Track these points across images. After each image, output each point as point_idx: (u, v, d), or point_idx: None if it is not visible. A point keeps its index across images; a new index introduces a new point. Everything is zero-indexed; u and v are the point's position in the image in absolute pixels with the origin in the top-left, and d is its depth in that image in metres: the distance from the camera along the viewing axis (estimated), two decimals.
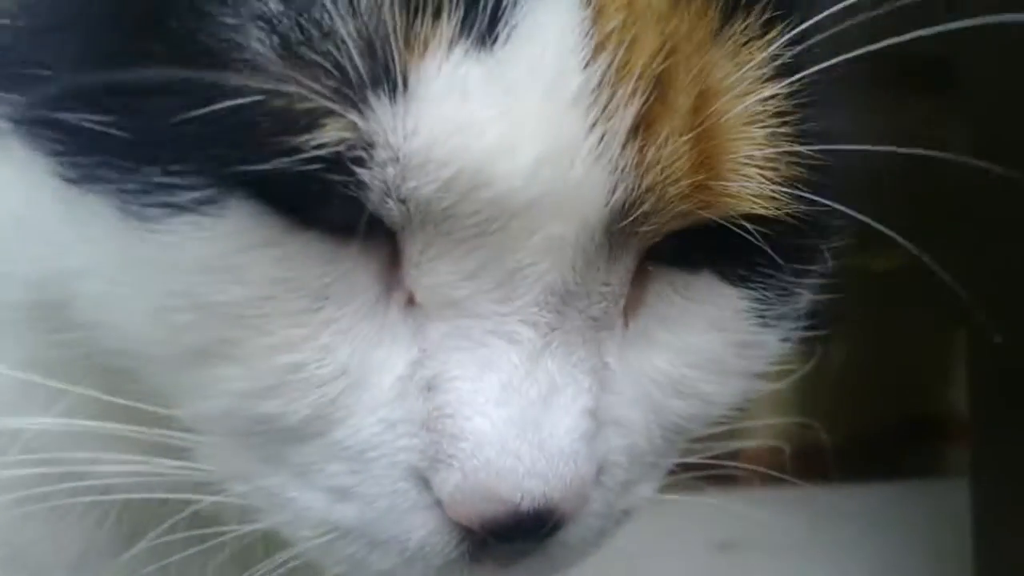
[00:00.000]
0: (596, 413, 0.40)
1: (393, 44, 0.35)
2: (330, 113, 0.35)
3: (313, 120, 0.35)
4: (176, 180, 0.37)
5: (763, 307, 0.45)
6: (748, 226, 0.41)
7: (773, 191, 0.40)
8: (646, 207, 0.38)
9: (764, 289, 0.45)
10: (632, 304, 0.43)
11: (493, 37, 0.36)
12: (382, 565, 0.41)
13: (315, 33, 0.35)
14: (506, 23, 0.36)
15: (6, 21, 0.38)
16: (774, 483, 0.67)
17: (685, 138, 0.38)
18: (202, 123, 0.35)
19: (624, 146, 0.37)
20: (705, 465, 0.52)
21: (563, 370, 0.39)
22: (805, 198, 0.41)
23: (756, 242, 0.42)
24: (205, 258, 0.37)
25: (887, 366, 1.56)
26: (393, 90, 0.35)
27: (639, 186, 0.38)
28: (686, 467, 0.50)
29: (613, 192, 0.37)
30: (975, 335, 1.20)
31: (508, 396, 0.38)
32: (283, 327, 0.38)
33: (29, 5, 0.38)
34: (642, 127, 0.37)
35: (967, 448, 1.21)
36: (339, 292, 0.39)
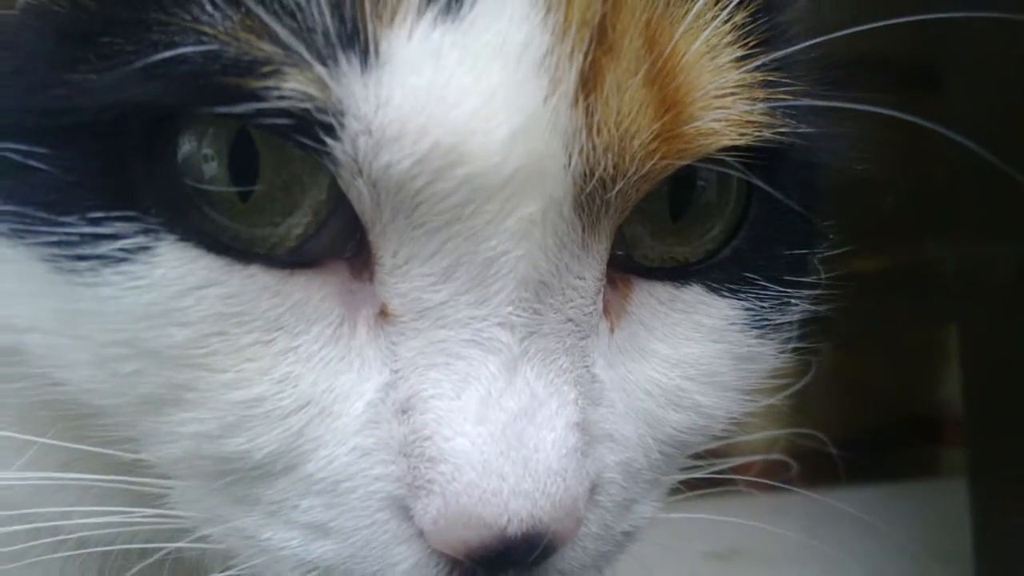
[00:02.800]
0: (585, 427, 0.38)
1: (362, 9, 0.34)
2: (293, 63, 0.34)
3: (275, 68, 0.34)
4: (101, 229, 0.36)
5: (757, 319, 0.44)
6: (728, 159, 0.40)
7: (750, 115, 0.39)
8: (606, 170, 0.37)
9: (757, 300, 0.44)
10: (616, 313, 0.41)
11: (459, 3, 0.35)
12: None
13: None
14: None
15: None
16: (770, 490, 0.67)
17: (638, 87, 0.37)
18: (157, 76, 0.34)
19: (573, 108, 0.36)
20: (707, 482, 0.51)
21: (545, 379, 0.37)
22: (786, 116, 0.40)
23: (742, 175, 0.40)
24: (142, 306, 0.36)
25: (879, 368, 1.56)
26: (364, 57, 0.34)
27: (593, 149, 0.36)
28: (687, 483, 0.49)
29: (570, 160, 0.36)
30: (967, 334, 1.20)
31: (487, 411, 0.36)
32: (235, 363, 0.37)
33: None
34: (590, 85, 0.36)
35: (963, 448, 1.20)
36: (293, 321, 0.37)
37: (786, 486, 0.57)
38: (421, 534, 0.37)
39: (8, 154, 0.35)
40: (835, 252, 0.49)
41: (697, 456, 0.48)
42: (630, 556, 0.50)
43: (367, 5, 0.34)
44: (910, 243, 1.51)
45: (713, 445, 0.47)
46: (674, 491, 0.48)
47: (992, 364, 1.12)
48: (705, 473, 0.49)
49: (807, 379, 0.56)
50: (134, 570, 0.43)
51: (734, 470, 0.53)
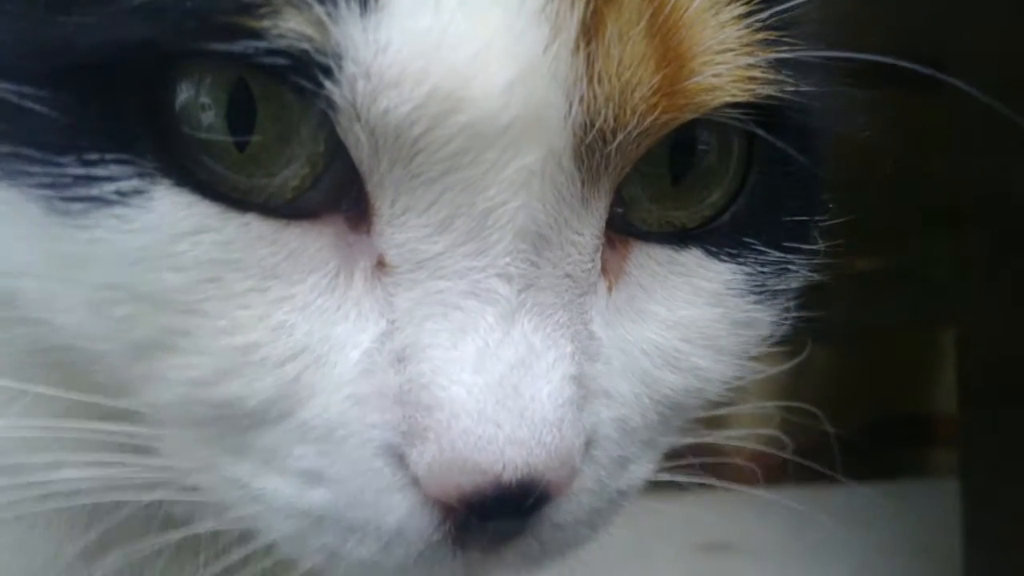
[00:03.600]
0: (581, 380, 0.38)
1: None
2: (292, 4, 0.34)
3: (274, 7, 0.34)
4: (95, 171, 0.35)
5: (755, 284, 0.44)
6: (728, 115, 0.39)
7: (750, 70, 0.39)
8: (606, 121, 0.37)
9: (756, 265, 0.44)
10: (615, 273, 0.41)
11: None
12: (359, 553, 0.38)
13: None
14: None
15: None
16: (760, 484, 0.67)
17: (639, 39, 0.36)
18: (155, 14, 0.33)
19: (574, 56, 0.36)
20: (705, 453, 0.51)
21: (542, 332, 0.37)
22: (787, 74, 0.40)
23: (739, 127, 0.40)
24: (135, 250, 0.36)
25: (873, 366, 1.56)
26: (364, 1, 0.34)
27: (594, 98, 0.36)
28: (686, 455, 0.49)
29: (570, 110, 0.36)
30: (962, 334, 1.20)
31: (484, 361, 0.36)
32: (229, 309, 0.37)
33: None
34: (592, 33, 0.36)
35: (955, 448, 1.21)
36: (289, 270, 0.37)
37: (784, 455, 0.57)
38: (416, 481, 0.37)
39: (5, 95, 0.35)
40: (831, 250, 0.49)
41: (693, 426, 0.48)
42: (622, 546, 0.50)
43: None
44: (907, 242, 1.51)
45: (709, 413, 0.48)
46: (666, 484, 0.48)
47: (987, 365, 1.12)
48: (702, 440, 0.49)
49: (803, 355, 0.56)
50: (107, 519, 0.43)
51: (730, 448, 0.53)
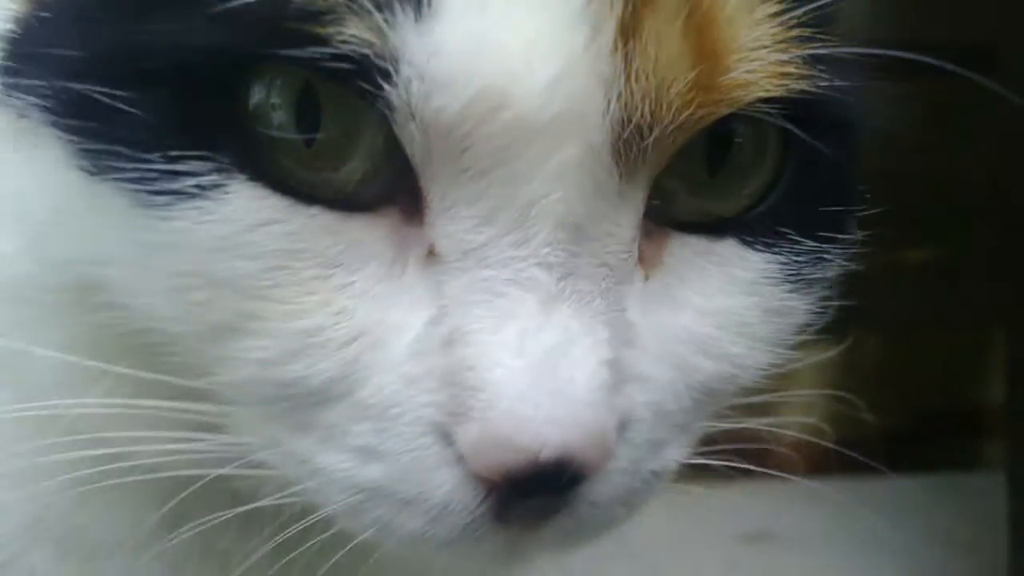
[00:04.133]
0: (617, 365, 0.40)
1: None
2: (354, 12, 0.36)
3: (338, 16, 0.36)
4: (178, 167, 0.38)
5: (791, 273, 0.45)
6: (764, 109, 0.41)
7: (784, 66, 0.40)
8: (643, 116, 0.38)
9: (791, 255, 0.45)
10: (651, 262, 0.43)
11: None
12: (411, 525, 0.41)
13: None
14: None
15: (30, 10, 0.41)
16: (803, 473, 0.67)
17: (675, 37, 0.38)
18: (231, 22, 0.36)
19: (612, 54, 0.37)
20: (746, 439, 0.52)
21: (580, 318, 0.39)
22: (821, 70, 0.41)
23: (775, 123, 0.41)
24: (213, 239, 0.39)
25: (922, 359, 1.55)
26: (418, 6, 0.36)
27: (631, 95, 0.38)
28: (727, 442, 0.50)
29: (608, 106, 0.38)
30: (1013, 328, 1.19)
31: (524, 345, 0.38)
32: (296, 295, 0.39)
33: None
34: (630, 32, 0.38)
35: (1002, 441, 1.20)
36: (350, 259, 0.40)
37: (826, 444, 0.57)
38: (461, 459, 0.39)
39: (97, 96, 0.38)
40: (883, 239, 0.49)
41: (735, 413, 0.49)
42: (666, 533, 0.51)
43: None
44: (958, 234, 1.50)
45: (750, 400, 0.49)
46: (714, 453, 0.49)
47: None
48: (744, 425, 0.50)
49: (844, 346, 0.57)
50: (186, 493, 0.46)
51: (771, 436, 0.54)
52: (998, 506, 1.14)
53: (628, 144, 0.39)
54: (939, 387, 1.58)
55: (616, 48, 0.38)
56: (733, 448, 0.50)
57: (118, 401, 0.43)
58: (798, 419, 0.59)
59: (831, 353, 0.59)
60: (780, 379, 0.49)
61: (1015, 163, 1.10)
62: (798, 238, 0.45)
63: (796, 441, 0.59)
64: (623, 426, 0.41)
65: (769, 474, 0.57)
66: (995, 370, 1.38)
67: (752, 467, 0.50)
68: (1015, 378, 1.16)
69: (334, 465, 0.41)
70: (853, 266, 0.48)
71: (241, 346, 0.40)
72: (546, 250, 0.39)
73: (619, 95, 0.38)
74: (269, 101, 0.39)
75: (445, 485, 0.40)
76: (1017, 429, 1.16)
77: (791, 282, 0.45)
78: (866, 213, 0.48)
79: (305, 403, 0.41)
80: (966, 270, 1.51)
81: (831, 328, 0.51)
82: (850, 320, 0.51)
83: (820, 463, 0.66)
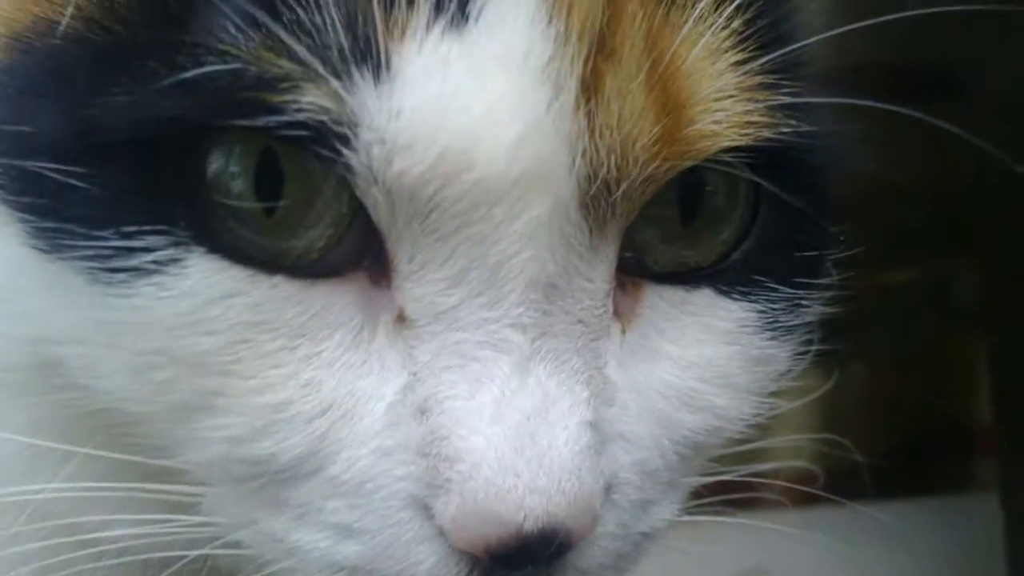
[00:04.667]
0: (598, 426, 0.39)
1: (374, 25, 0.36)
2: (310, 80, 0.35)
3: (293, 83, 0.35)
4: (134, 243, 0.37)
5: (769, 321, 0.44)
6: (730, 159, 0.40)
7: (750, 116, 0.40)
8: (609, 172, 0.38)
9: (768, 302, 0.44)
10: (627, 316, 0.42)
11: (464, 17, 0.36)
12: None
13: (300, 11, 0.36)
14: (475, 2, 0.36)
15: None
16: (800, 504, 0.66)
17: (638, 92, 0.38)
18: (185, 93, 0.35)
19: (575, 112, 0.37)
20: (734, 488, 0.51)
21: (557, 379, 0.38)
22: (787, 117, 0.41)
23: (746, 175, 0.41)
24: (173, 316, 0.38)
25: (909, 381, 1.55)
26: (376, 71, 0.36)
27: (596, 151, 0.37)
28: (714, 490, 0.49)
29: (573, 163, 0.37)
30: (997, 346, 1.19)
31: (501, 410, 0.37)
32: (261, 369, 0.38)
33: (3, 68, 0.40)
34: (592, 90, 0.37)
35: (995, 461, 1.19)
36: (316, 328, 0.38)
37: (815, 491, 0.57)
38: (442, 533, 0.38)
39: (48, 172, 0.37)
40: (865, 265, 0.49)
41: (721, 461, 0.48)
42: (660, 573, 0.50)
43: (378, 22, 0.36)
44: (941, 255, 1.50)
45: (733, 450, 0.48)
46: (703, 506, 0.48)
47: (1022, 377, 1.11)
48: (730, 476, 0.50)
49: (829, 385, 0.56)
50: (171, 573, 0.44)
51: (761, 481, 0.53)
52: (993, 526, 1.14)
53: (596, 199, 0.38)
54: (927, 409, 1.58)
55: (579, 106, 0.37)
56: (722, 499, 0.49)
57: (83, 484, 0.42)
58: (787, 463, 0.58)
59: (820, 392, 0.58)
60: (768, 420, 0.48)
61: (993, 184, 1.10)
62: (774, 285, 0.44)
63: (786, 482, 0.58)
64: (608, 488, 0.40)
65: (768, 506, 0.56)
66: (984, 390, 1.38)
67: (744, 520, 0.50)
68: (1002, 397, 1.16)
69: (310, 544, 0.39)
70: (831, 310, 0.47)
71: (207, 424, 0.39)
72: (519, 310, 0.38)
73: (584, 152, 0.37)
74: (228, 170, 0.37)
75: (427, 561, 0.38)
76: (1008, 448, 1.15)
77: (770, 330, 0.44)
78: (843, 254, 0.48)
79: (276, 480, 0.39)
80: (947, 289, 1.51)
81: (817, 364, 0.50)
82: (838, 353, 0.50)
83: (812, 495, 0.66)
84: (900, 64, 0.42)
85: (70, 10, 0.38)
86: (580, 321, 0.39)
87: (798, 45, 0.42)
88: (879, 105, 0.40)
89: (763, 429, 0.48)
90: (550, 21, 0.37)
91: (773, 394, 0.47)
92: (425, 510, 0.38)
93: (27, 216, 0.38)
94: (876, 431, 1.42)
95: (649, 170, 0.38)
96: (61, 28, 0.38)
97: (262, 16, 0.35)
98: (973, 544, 1.24)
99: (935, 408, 1.58)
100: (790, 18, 0.45)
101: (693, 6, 0.39)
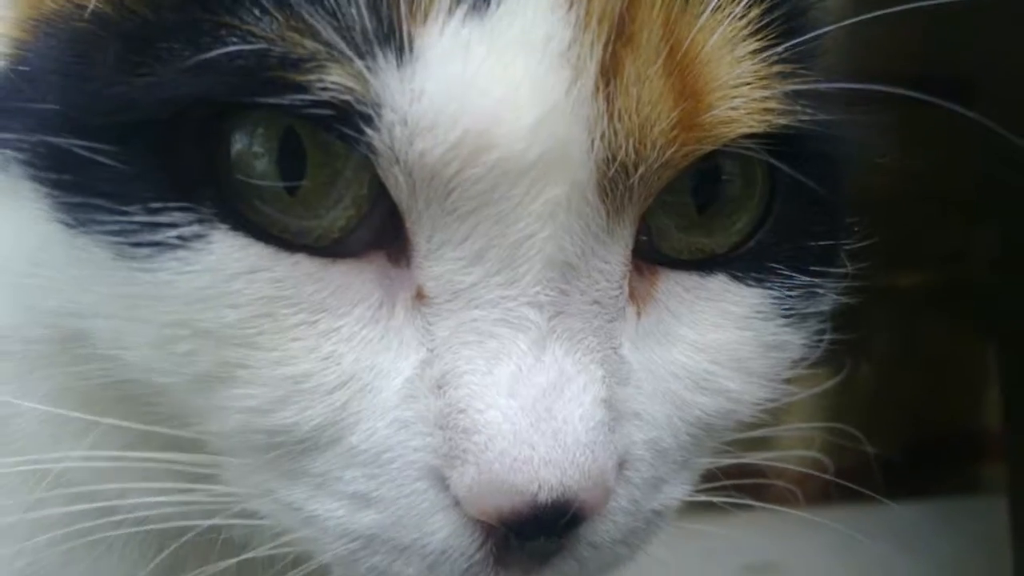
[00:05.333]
0: (612, 403, 0.39)
1: (397, 9, 0.36)
2: (334, 60, 0.36)
3: (318, 63, 0.36)
4: (159, 219, 0.38)
5: (784, 308, 0.45)
6: (748, 145, 0.41)
7: (766, 102, 0.40)
8: (627, 155, 0.38)
9: (783, 289, 0.45)
10: (643, 299, 0.42)
11: (486, 1, 0.37)
12: (407, 571, 0.40)
13: None
14: None
15: (8, 64, 0.41)
16: (809, 501, 0.66)
17: (656, 77, 0.38)
18: (209, 72, 0.36)
19: (594, 96, 0.37)
20: (746, 475, 0.51)
21: (572, 357, 0.39)
22: (804, 105, 0.41)
23: (760, 159, 0.41)
24: (196, 289, 0.38)
25: (918, 384, 1.54)
26: (400, 53, 0.36)
27: (615, 134, 0.38)
28: (726, 476, 0.50)
29: (592, 145, 0.38)
30: (1006, 349, 1.18)
31: (518, 386, 0.38)
32: (283, 342, 0.39)
33: (32, 48, 0.41)
34: (611, 74, 0.38)
35: (1003, 465, 1.19)
36: (336, 303, 0.39)
37: (826, 478, 0.57)
38: (457, 503, 0.38)
39: (77, 150, 0.38)
40: (873, 267, 0.49)
41: (733, 447, 0.48)
42: (668, 568, 0.50)
43: (402, 5, 0.36)
44: (951, 258, 1.50)
45: (745, 435, 0.48)
46: (709, 506, 0.48)
47: None
48: (742, 460, 0.50)
49: (839, 379, 0.56)
50: (179, 545, 0.45)
51: (772, 465, 0.53)
52: (1001, 529, 1.13)
53: (614, 182, 0.39)
54: (936, 412, 1.57)
55: (598, 90, 0.38)
56: (734, 484, 0.49)
57: (104, 454, 0.42)
58: (798, 452, 0.58)
59: (828, 384, 0.58)
60: (778, 412, 0.48)
61: (1003, 190, 1.10)
62: (789, 273, 0.44)
63: (795, 474, 0.58)
64: (622, 465, 0.40)
65: (774, 504, 0.56)
66: (992, 392, 1.37)
67: (753, 503, 0.50)
68: (1011, 401, 1.16)
69: (327, 513, 0.40)
70: (845, 298, 0.48)
71: (229, 395, 0.39)
72: (536, 289, 0.39)
73: (603, 134, 0.38)
74: (251, 149, 0.38)
75: (442, 530, 0.39)
76: (1017, 452, 1.15)
77: (784, 316, 0.45)
78: (857, 244, 0.48)
79: (295, 450, 0.40)
80: (958, 292, 1.51)
81: (827, 358, 0.50)
82: (845, 348, 0.51)
83: (822, 492, 0.66)
84: (913, 75, 0.42)
85: None
86: (596, 302, 0.40)
87: (815, 33, 0.42)
88: (895, 91, 0.41)
89: (775, 418, 0.49)
90: (570, 7, 0.37)
91: (786, 382, 0.47)
92: (441, 481, 0.39)
93: (54, 192, 0.39)
94: (885, 433, 1.41)
95: (667, 154, 0.39)
96: (89, 9, 0.39)
97: (285, 7, 0.36)
98: (980, 547, 1.23)
99: (944, 411, 1.58)
100: (806, 8, 0.45)
101: None
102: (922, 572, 1.28)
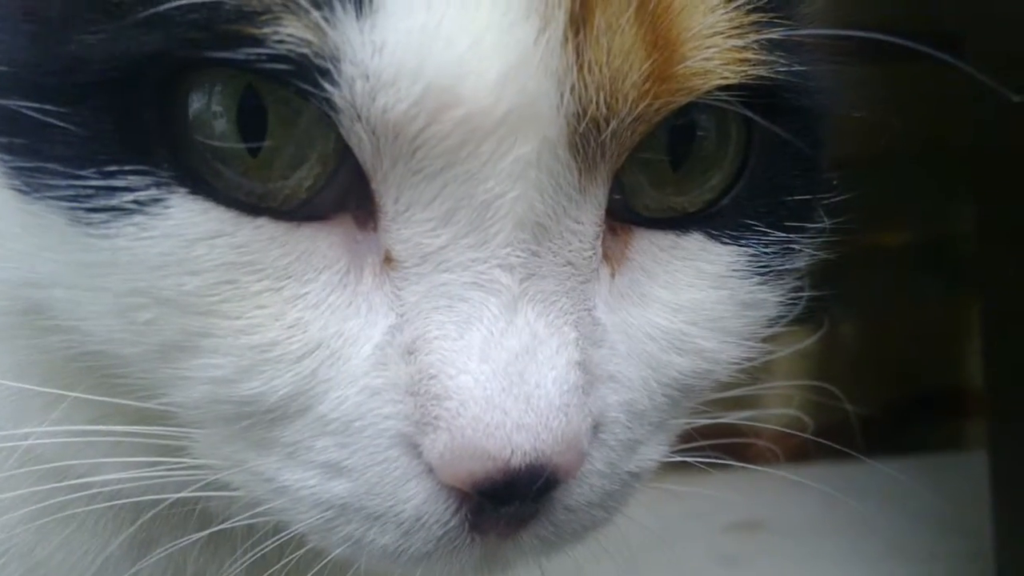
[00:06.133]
0: (586, 366, 0.39)
1: None
2: (289, 11, 0.35)
3: (273, 16, 0.35)
4: (115, 182, 0.36)
5: (759, 265, 0.44)
6: (726, 97, 0.40)
7: (741, 52, 0.39)
8: (599, 109, 0.37)
9: (759, 247, 0.44)
10: (617, 259, 0.42)
11: None
12: (382, 540, 0.39)
13: None
14: None
15: None
16: (791, 459, 0.66)
17: (628, 27, 0.37)
18: (162, 26, 0.35)
19: (563, 47, 0.36)
20: (725, 434, 0.51)
21: (545, 320, 0.38)
22: (781, 55, 0.40)
23: (735, 110, 0.40)
24: (155, 256, 0.37)
25: (901, 341, 1.54)
26: (359, 3, 0.35)
27: (585, 88, 0.37)
28: (706, 436, 0.49)
29: (562, 100, 0.36)
30: (988, 307, 1.18)
31: (490, 350, 0.37)
32: (247, 309, 0.38)
33: None
34: (580, 24, 0.36)
35: (984, 422, 1.19)
36: (301, 269, 0.38)
37: (806, 437, 0.57)
38: (430, 470, 0.38)
39: (27, 111, 0.36)
40: (858, 225, 0.48)
41: (712, 407, 0.48)
42: (652, 529, 0.50)
43: None
44: (935, 217, 1.50)
45: (724, 395, 0.48)
46: (695, 450, 0.48)
47: (1014, 339, 1.11)
48: (721, 420, 0.49)
49: (816, 337, 0.56)
50: (152, 517, 0.44)
51: (752, 425, 0.53)
52: (982, 486, 1.14)
53: (585, 138, 0.37)
54: (919, 369, 1.58)
55: (567, 40, 0.36)
56: (713, 444, 0.49)
57: (72, 428, 0.41)
58: (778, 411, 0.58)
59: (809, 341, 0.58)
60: (758, 370, 0.48)
61: (989, 143, 1.09)
62: (765, 229, 0.44)
63: (775, 433, 0.58)
64: (596, 427, 0.40)
65: (758, 463, 0.56)
66: (974, 350, 1.38)
67: (733, 462, 0.49)
68: (993, 358, 1.16)
69: (299, 483, 0.39)
70: (823, 255, 0.47)
71: (193, 364, 0.38)
72: (506, 250, 0.38)
73: (572, 88, 0.36)
74: (210, 109, 0.37)
75: (416, 498, 0.38)
76: (997, 408, 1.16)
77: (760, 274, 0.44)
78: (838, 199, 0.47)
79: (265, 420, 0.39)
80: (941, 251, 1.51)
81: (809, 315, 0.49)
82: (828, 306, 0.50)
83: (803, 450, 0.66)
84: (898, 27, 0.41)
85: None
86: (569, 263, 0.39)
87: None
88: (876, 38, 0.39)
89: (754, 378, 0.48)
90: None
91: (764, 341, 0.46)
92: (413, 448, 0.38)
93: (5, 156, 0.38)
94: (867, 390, 1.42)
95: (640, 108, 0.38)
96: None
97: None
98: (961, 502, 1.25)
99: (926, 368, 1.58)
100: None
101: None
102: (905, 527, 1.29)
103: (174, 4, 0.34)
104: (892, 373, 1.54)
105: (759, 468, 0.56)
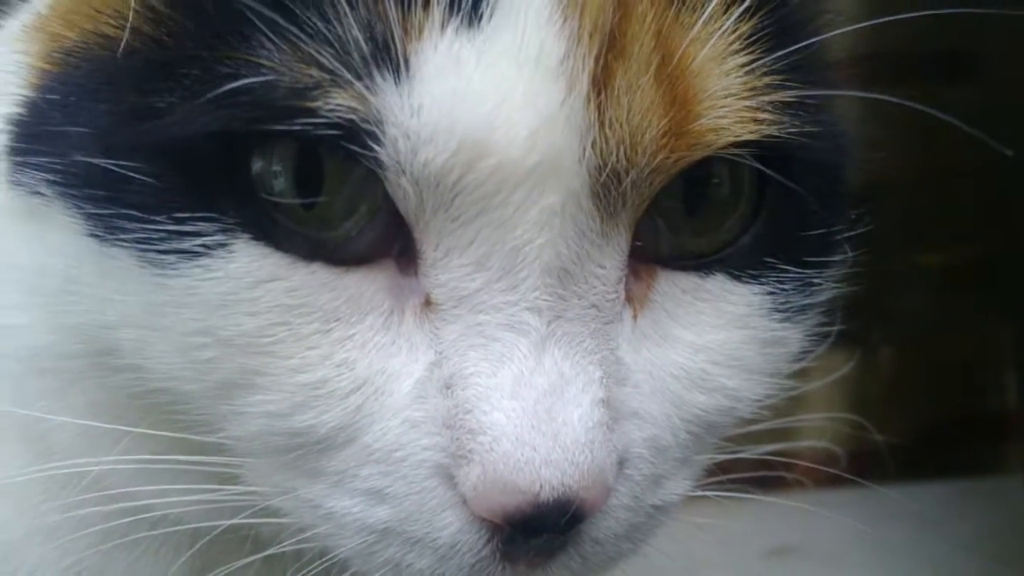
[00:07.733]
0: (611, 403, 0.41)
1: (392, 29, 0.38)
2: (337, 84, 0.38)
3: (323, 90, 0.38)
4: (184, 227, 0.40)
5: (781, 302, 0.46)
6: (737, 152, 0.42)
7: (755, 112, 0.41)
8: (618, 161, 0.39)
9: (779, 284, 0.45)
10: (640, 301, 0.44)
11: (479, 16, 0.38)
12: (419, 564, 0.42)
13: (320, 24, 0.38)
14: (487, 2, 0.38)
15: (37, 93, 0.43)
16: (826, 486, 0.67)
17: (647, 88, 0.39)
18: (225, 105, 0.38)
19: (586, 106, 0.39)
20: (758, 468, 0.52)
21: (571, 360, 0.40)
22: (793, 115, 0.42)
23: (749, 163, 0.42)
24: (218, 296, 0.40)
25: (940, 364, 1.53)
26: (396, 72, 0.38)
27: (606, 142, 0.39)
28: (739, 469, 0.50)
29: (584, 153, 0.39)
30: (1023, 330, 1.17)
31: (520, 388, 0.39)
32: (299, 350, 0.41)
33: (58, 78, 0.43)
34: (602, 85, 0.39)
35: (1021, 446, 1.18)
36: (348, 312, 0.41)
37: (837, 472, 0.57)
38: (464, 501, 0.40)
39: (106, 166, 0.40)
40: (894, 249, 0.49)
41: (746, 440, 0.49)
42: (688, 554, 0.51)
43: (395, 26, 0.38)
44: (971, 240, 1.49)
45: (757, 428, 0.49)
46: (727, 484, 0.49)
47: None
48: (753, 455, 0.51)
49: (850, 366, 0.57)
50: (209, 542, 0.47)
51: (784, 460, 0.54)
52: (1020, 511, 1.13)
53: (607, 188, 0.40)
54: (957, 392, 1.56)
55: (590, 100, 0.39)
56: (744, 477, 0.50)
57: (137, 458, 0.44)
58: (808, 443, 0.59)
59: (845, 369, 0.59)
60: (794, 399, 0.49)
61: (1016, 166, 1.09)
62: (784, 266, 0.45)
63: (807, 467, 0.59)
64: (622, 463, 0.42)
65: (793, 487, 0.56)
66: (1012, 375, 1.36)
67: (762, 497, 0.50)
68: None
69: (345, 509, 0.42)
70: (858, 281, 0.48)
71: (249, 401, 0.41)
72: (535, 294, 0.40)
73: (594, 142, 0.39)
74: (270, 169, 0.40)
75: (451, 526, 0.41)
76: None
77: (782, 311, 0.46)
78: (869, 225, 0.48)
79: (313, 451, 0.42)
80: (980, 272, 1.49)
81: (846, 342, 0.50)
82: (865, 333, 0.51)
83: (835, 476, 0.66)
84: (915, 52, 0.42)
85: (127, 23, 0.41)
86: (593, 305, 0.41)
87: (805, 43, 0.43)
88: (886, 99, 0.41)
89: (787, 409, 0.49)
90: (564, 22, 0.39)
91: (798, 374, 0.48)
92: (450, 479, 0.40)
93: (86, 206, 0.41)
94: (904, 414, 1.41)
95: (657, 161, 0.40)
96: (121, 44, 0.41)
97: (292, 30, 0.38)
98: (999, 527, 1.23)
99: (963, 392, 1.57)
100: (798, 16, 0.46)
101: (702, 8, 0.41)
102: (942, 552, 1.28)
103: (235, 85, 0.38)
104: (928, 396, 1.52)
105: (791, 494, 0.57)
